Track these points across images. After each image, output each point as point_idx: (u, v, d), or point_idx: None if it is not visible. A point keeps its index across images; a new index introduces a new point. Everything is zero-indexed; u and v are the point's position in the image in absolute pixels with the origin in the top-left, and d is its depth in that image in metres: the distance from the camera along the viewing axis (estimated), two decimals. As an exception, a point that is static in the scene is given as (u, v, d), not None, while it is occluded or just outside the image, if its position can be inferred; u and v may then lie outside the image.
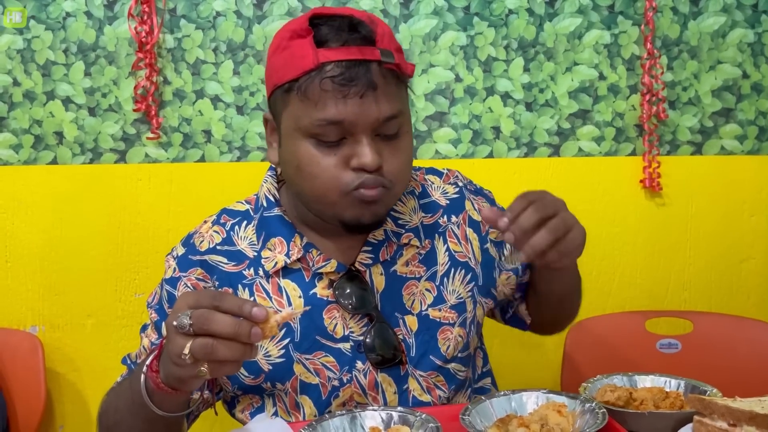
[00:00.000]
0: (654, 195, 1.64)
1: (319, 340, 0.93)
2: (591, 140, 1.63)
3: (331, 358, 0.93)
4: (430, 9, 1.58)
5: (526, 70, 1.61)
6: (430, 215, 1.00)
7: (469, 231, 1.01)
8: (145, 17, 1.53)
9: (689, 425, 0.78)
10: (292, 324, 0.93)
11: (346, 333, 0.93)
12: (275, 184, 0.99)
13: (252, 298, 0.94)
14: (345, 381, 0.93)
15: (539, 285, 1.02)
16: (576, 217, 0.87)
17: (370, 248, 0.95)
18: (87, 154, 1.57)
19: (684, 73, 1.63)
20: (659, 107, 1.61)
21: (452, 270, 0.99)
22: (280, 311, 0.78)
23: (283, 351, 0.94)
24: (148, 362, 0.78)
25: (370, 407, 0.89)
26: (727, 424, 0.72)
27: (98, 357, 1.59)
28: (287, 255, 0.93)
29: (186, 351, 0.69)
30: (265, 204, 0.97)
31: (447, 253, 0.99)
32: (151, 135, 1.56)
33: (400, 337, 0.95)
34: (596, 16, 1.61)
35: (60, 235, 1.57)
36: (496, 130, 1.62)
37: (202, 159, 1.59)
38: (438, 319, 0.97)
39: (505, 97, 1.61)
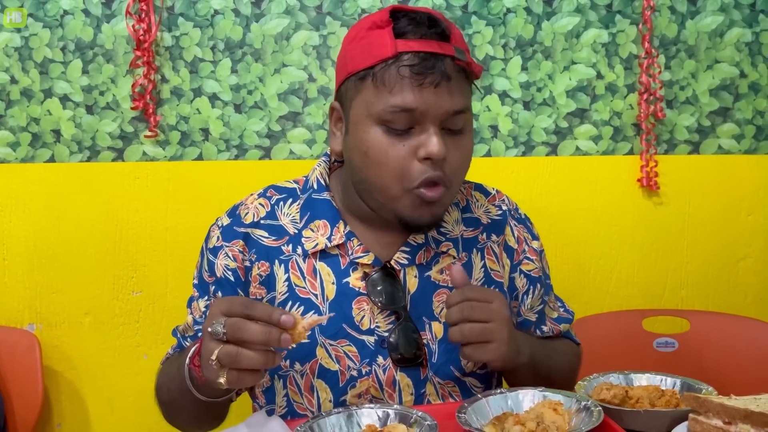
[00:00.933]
0: (651, 194, 1.64)
1: (345, 329, 0.95)
2: (589, 139, 1.63)
3: (354, 349, 0.94)
4: (427, 7, 1.58)
5: (523, 68, 1.61)
6: (471, 229, 1.01)
7: (504, 255, 1.03)
8: (143, 15, 1.53)
9: (684, 423, 0.78)
10: (321, 309, 0.95)
11: (372, 326, 0.94)
12: (327, 171, 1.01)
13: (286, 276, 0.96)
14: (364, 373, 0.94)
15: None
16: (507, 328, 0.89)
17: (408, 249, 0.96)
18: (84, 152, 1.57)
19: (681, 73, 1.63)
20: (657, 106, 1.61)
21: (486, 286, 1.00)
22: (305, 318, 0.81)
23: (309, 332, 0.95)
24: (190, 355, 0.83)
25: (367, 405, 0.89)
26: (722, 422, 0.72)
27: (96, 355, 1.59)
28: (329, 238, 0.95)
29: (213, 357, 0.74)
30: (315, 186, 0.99)
31: (483, 269, 1.00)
32: (148, 133, 1.56)
33: (424, 341, 0.96)
34: (594, 15, 1.62)
35: (57, 233, 1.57)
36: (494, 128, 1.62)
37: (200, 157, 1.59)
38: None
39: (503, 95, 1.61)
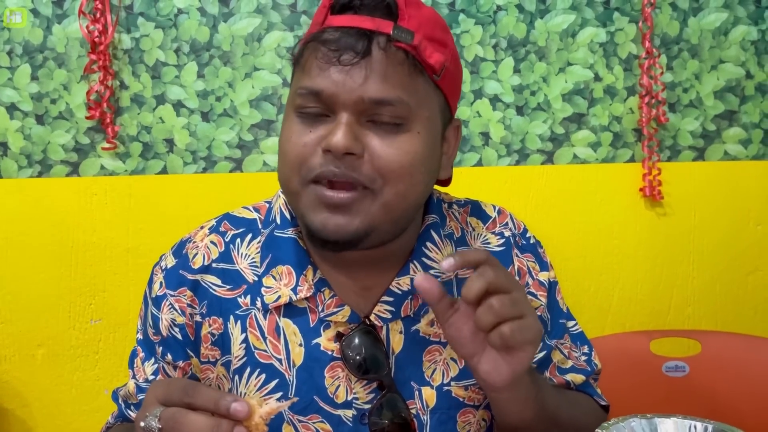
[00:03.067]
0: (655, 204, 1.53)
1: (316, 402, 0.78)
2: (587, 146, 1.52)
3: (328, 426, 0.78)
4: None
5: (516, 71, 1.50)
6: (467, 269, 0.79)
7: None
8: (98, 15, 1.39)
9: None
10: (287, 377, 0.78)
11: (349, 398, 0.78)
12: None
13: (243, 335, 0.79)
14: None
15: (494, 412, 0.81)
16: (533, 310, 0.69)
17: (391, 299, 0.79)
18: (35, 166, 1.43)
19: (685, 74, 1.53)
20: (659, 110, 1.50)
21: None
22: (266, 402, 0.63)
23: (298, 399, 0.79)
24: None
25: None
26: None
27: (50, 391, 1.45)
28: (294, 290, 0.78)
29: None
30: (278, 220, 0.81)
31: None
32: (106, 145, 1.43)
33: (413, 412, 0.79)
34: (591, 13, 1.50)
35: (5, 256, 1.43)
36: (485, 136, 1.50)
37: (164, 171, 1.46)
38: (461, 399, 0.81)
39: (495, 100, 1.50)
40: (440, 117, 0.76)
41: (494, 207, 0.89)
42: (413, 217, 0.79)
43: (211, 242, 0.82)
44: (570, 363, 0.88)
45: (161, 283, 0.82)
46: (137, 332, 0.85)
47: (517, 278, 0.85)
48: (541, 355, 0.85)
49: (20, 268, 1.43)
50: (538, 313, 0.85)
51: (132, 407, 0.84)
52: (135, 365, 0.84)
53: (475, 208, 0.88)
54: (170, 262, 0.83)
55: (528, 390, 0.72)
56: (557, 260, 1.48)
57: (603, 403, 0.91)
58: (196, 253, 0.82)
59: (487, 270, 0.65)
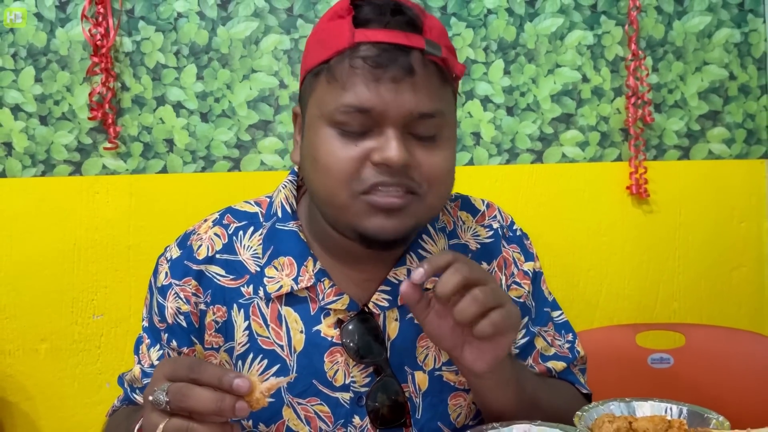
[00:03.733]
0: (641, 202, 1.57)
1: (315, 385, 0.82)
2: (575, 145, 1.56)
3: (326, 408, 0.82)
4: (405, 9, 1.51)
5: (506, 72, 1.54)
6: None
7: (502, 279, 0.89)
8: (100, 19, 1.43)
9: (697, 461, 0.71)
10: (287, 362, 0.82)
11: (347, 381, 0.81)
12: (294, 193, 0.87)
13: (247, 323, 0.82)
14: None
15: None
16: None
17: (389, 288, 0.82)
18: (39, 166, 1.47)
19: (670, 75, 1.57)
20: (645, 110, 1.55)
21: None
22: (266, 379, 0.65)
23: (297, 375, 0.82)
24: (138, 427, 0.69)
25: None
26: (742, 463, 0.64)
27: (53, 384, 1.48)
28: (295, 280, 0.81)
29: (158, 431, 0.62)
30: (279, 214, 0.85)
31: None
32: (108, 145, 1.46)
33: (407, 394, 0.83)
34: (578, 16, 1.55)
35: (10, 254, 1.46)
36: (476, 135, 1.54)
37: (164, 170, 1.49)
38: (452, 383, 0.85)
39: (485, 101, 1.54)
40: (456, 119, 0.81)
41: (483, 201, 0.92)
42: None
43: (215, 234, 0.85)
44: (553, 351, 0.91)
45: (166, 273, 0.85)
46: (143, 320, 0.88)
47: (503, 267, 0.89)
48: (524, 341, 0.88)
49: (24, 264, 1.46)
50: (522, 301, 0.89)
51: (137, 391, 0.87)
52: (140, 351, 0.87)
53: (465, 203, 0.92)
54: (175, 253, 0.86)
55: (509, 373, 0.77)
56: (547, 257, 1.53)
57: (585, 391, 0.93)
58: (201, 245, 0.85)
59: (460, 266, 0.69)
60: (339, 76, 0.72)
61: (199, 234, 0.86)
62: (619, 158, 1.57)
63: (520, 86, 1.54)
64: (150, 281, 0.88)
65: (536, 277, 0.91)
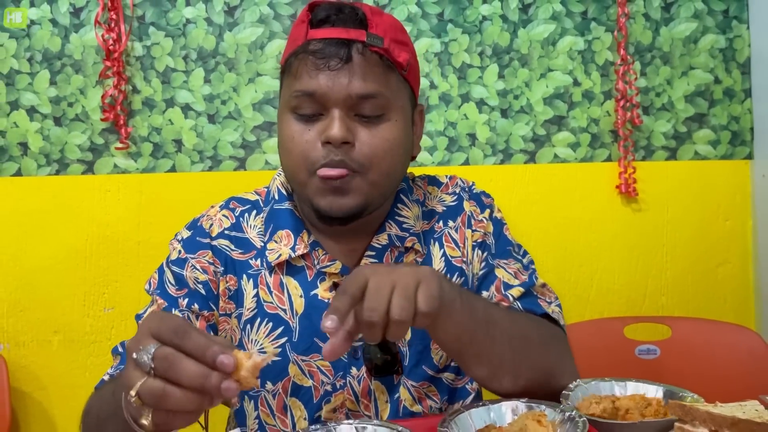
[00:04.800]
0: (630, 200, 1.64)
1: (316, 343, 0.91)
2: (566, 146, 1.63)
3: (327, 363, 0.91)
4: (403, 16, 1.57)
5: (500, 76, 1.60)
6: (426, 222, 0.98)
7: (468, 232, 0.98)
8: (113, 24, 1.50)
9: (671, 432, 0.77)
10: (291, 324, 0.91)
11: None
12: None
13: (255, 291, 0.92)
14: (338, 387, 0.92)
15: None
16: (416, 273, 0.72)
17: (373, 253, 0.93)
18: (53, 165, 1.53)
19: (657, 79, 1.64)
20: (633, 113, 1.61)
21: (447, 276, 0.95)
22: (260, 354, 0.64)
23: (279, 350, 0.92)
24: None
25: (346, 421, 0.86)
26: (708, 431, 0.70)
27: (66, 375, 1.54)
28: (293, 249, 0.92)
29: (133, 392, 0.59)
30: (276, 197, 0.96)
31: (443, 258, 0.96)
32: (119, 145, 1.52)
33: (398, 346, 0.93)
34: (570, 23, 1.62)
35: (25, 249, 1.52)
36: (472, 137, 1.61)
37: (173, 169, 1.55)
38: None
39: (480, 103, 1.60)
40: (409, 104, 0.91)
41: (446, 176, 1.04)
42: (396, 189, 0.94)
43: (223, 215, 0.97)
44: (517, 282, 0.94)
45: (180, 251, 0.95)
46: (152, 298, 0.94)
47: (466, 221, 0.97)
48: (482, 272, 0.96)
49: (38, 259, 1.52)
50: (481, 240, 0.96)
51: None
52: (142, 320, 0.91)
53: (432, 179, 1.04)
54: (186, 234, 0.97)
55: (448, 305, 0.75)
56: (539, 253, 1.59)
57: (560, 324, 0.94)
58: (212, 224, 0.96)
59: (336, 298, 0.68)
60: (294, 69, 0.86)
61: (208, 216, 0.97)
62: (608, 159, 1.63)
63: (514, 89, 1.61)
64: (161, 265, 0.96)
65: (496, 223, 0.99)
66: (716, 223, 1.66)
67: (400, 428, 0.81)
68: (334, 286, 0.91)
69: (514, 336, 0.83)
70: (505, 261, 0.97)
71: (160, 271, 0.95)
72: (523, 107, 1.61)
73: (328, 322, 0.66)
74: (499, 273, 0.95)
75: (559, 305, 0.96)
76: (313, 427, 0.83)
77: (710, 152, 1.65)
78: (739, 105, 1.65)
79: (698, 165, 1.64)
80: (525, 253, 1.00)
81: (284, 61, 0.89)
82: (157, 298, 0.93)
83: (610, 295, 1.65)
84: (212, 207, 0.99)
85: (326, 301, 0.91)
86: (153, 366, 0.59)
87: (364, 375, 0.92)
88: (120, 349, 0.93)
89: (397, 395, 0.93)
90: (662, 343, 1.47)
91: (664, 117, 1.64)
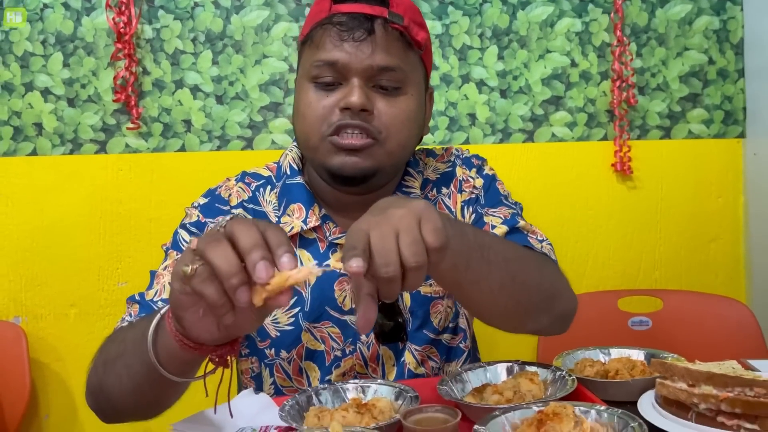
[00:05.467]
0: (625, 178, 1.68)
1: (327, 311, 0.96)
2: (564, 126, 1.67)
3: (337, 329, 0.96)
4: (405, -2, 1.61)
5: (500, 57, 1.64)
6: (422, 191, 1.02)
7: (458, 196, 1.02)
8: (123, 8, 1.54)
9: (651, 390, 0.83)
10: (303, 294, 0.96)
11: (354, 306, 0.92)
12: (299, 154, 1.02)
13: None
14: (348, 352, 0.96)
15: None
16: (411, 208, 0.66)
17: None
18: (67, 144, 1.57)
19: (653, 60, 1.67)
20: (629, 93, 1.65)
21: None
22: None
23: (292, 319, 0.96)
24: (162, 312, 0.70)
25: (352, 381, 0.92)
26: (686, 385, 0.76)
27: (82, 346, 1.60)
28: (304, 221, 0.95)
29: (188, 268, 0.60)
30: (288, 172, 0.99)
31: None
32: (131, 125, 1.57)
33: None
34: (567, 5, 1.65)
35: (41, 225, 1.57)
36: (472, 117, 1.65)
37: (183, 149, 1.60)
38: (429, 294, 0.99)
39: (480, 84, 1.64)
40: (423, 83, 0.96)
41: (442, 147, 1.08)
42: (405, 163, 0.98)
43: (240, 188, 1.01)
44: (503, 223, 0.95)
45: (198, 215, 0.98)
46: (167, 254, 0.95)
47: (458, 185, 1.01)
48: (472, 218, 0.99)
49: (55, 236, 1.58)
50: (468, 198, 1.00)
51: (162, 301, 0.91)
52: (158, 273, 0.94)
53: (429, 151, 1.08)
54: (203, 201, 1.00)
55: (451, 234, 0.70)
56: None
57: (551, 258, 0.94)
58: (231, 194, 1.00)
59: (348, 251, 0.63)
60: (316, 39, 0.89)
61: (226, 186, 1.01)
62: (605, 138, 1.67)
63: (513, 70, 1.65)
64: (174, 232, 0.98)
65: (486, 179, 1.03)
66: (709, 200, 1.70)
67: (402, 387, 0.87)
68: None
69: (509, 259, 0.79)
70: (495, 210, 0.99)
71: (175, 233, 0.98)
72: (522, 88, 1.65)
73: (354, 262, 0.60)
74: (488, 219, 0.97)
75: (550, 244, 0.96)
76: (321, 385, 0.90)
77: (704, 131, 1.70)
78: (732, 85, 1.69)
79: (692, 144, 1.69)
80: (518, 204, 1.02)
81: (306, 33, 0.92)
82: (173, 252, 0.95)
83: (606, 270, 1.70)
84: (228, 179, 1.03)
85: (338, 270, 0.93)
86: (194, 249, 0.60)
87: (373, 341, 0.97)
88: (137, 297, 0.93)
89: (402, 359, 0.98)
90: (654, 315, 1.52)
91: (659, 97, 1.68)
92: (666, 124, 1.69)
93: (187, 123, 1.59)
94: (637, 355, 0.97)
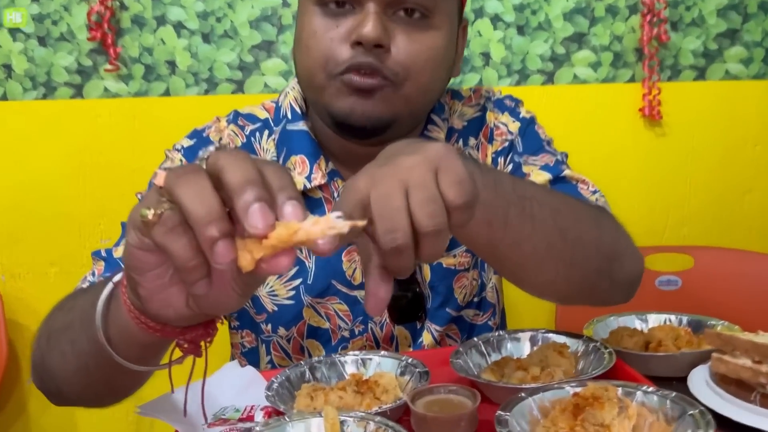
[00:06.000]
0: (653, 124, 1.54)
1: (334, 285, 0.82)
2: (587, 66, 1.52)
3: (345, 307, 0.83)
4: None
5: (517, -11, 1.49)
6: (447, 142, 0.87)
7: (489, 147, 0.87)
8: (96, -67, 1.38)
9: (704, 365, 0.70)
10: (306, 264, 0.82)
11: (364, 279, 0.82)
12: (303, 94, 0.85)
13: None
14: (357, 333, 0.84)
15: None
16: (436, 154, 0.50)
17: None
18: (39, 88, 1.44)
19: (687, -9, 1.51)
20: (660, 29, 1.49)
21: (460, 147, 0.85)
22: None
23: (293, 293, 0.83)
24: (115, 280, 0.54)
25: (351, 353, 0.80)
26: (751, 361, 0.64)
27: (64, 307, 1.50)
28: (308, 178, 0.80)
29: (148, 211, 0.43)
30: (289, 115, 0.83)
31: None
32: (109, 67, 1.43)
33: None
34: (594, -72, 1.48)
35: (17, 179, 1.45)
36: (486, 56, 1.50)
37: (167, 93, 1.46)
38: (452, 267, 0.85)
39: (495, 19, 1.49)
40: (457, 14, 0.78)
41: (470, 88, 0.91)
42: (429, 111, 0.81)
43: (233, 132, 0.85)
44: (546, 172, 0.83)
45: (181, 160, 0.83)
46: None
47: (488, 134, 0.87)
48: (509, 168, 0.85)
49: (29, 188, 1.45)
50: (500, 148, 0.85)
51: None
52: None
53: (455, 93, 0.90)
54: (187, 143, 0.85)
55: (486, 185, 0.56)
56: (556, 180, 1.50)
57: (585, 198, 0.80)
58: (222, 137, 0.84)
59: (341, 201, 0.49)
60: None
61: (217, 128, 0.85)
62: (632, 79, 1.53)
63: (531, 4, 1.49)
64: (150, 181, 0.84)
65: (523, 122, 0.87)
66: (744, 148, 1.57)
67: (409, 360, 0.75)
68: None
69: (558, 212, 0.63)
70: (535, 157, 0.84)
71: (151, 181, 0.83)
72: (541, 23, 1.50)
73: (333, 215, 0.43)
74: (527, 170, 0.82)
75: (603, 196, 0.82)
76: (317, 359, 0.78)
77: (742, 71, 1.55)
78: (776, 20, 1.53)
79: (728, 85, 1.54)
80: (562, 152, 0.88)
81: None
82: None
83: (630, 226, 1.55)
84: (218, 119, 0.87)
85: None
86: (160, 186, 0.43)
87: (387, 320, 0.84)
88: (103, 253, 0.78)
89: (420, 340, 0.86)
90: (684, 273, 1.40)
91: (693, 33, 1.52)
92: (700, 63, 1.53)
93: (171, 64, 1.45)
94: (678, 321, 0.85)
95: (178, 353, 0.54)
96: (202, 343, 0.53)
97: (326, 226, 0.41)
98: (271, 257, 0.42)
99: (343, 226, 0.42)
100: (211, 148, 0.50)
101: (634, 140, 1.55)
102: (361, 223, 0.45)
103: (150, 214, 0.43)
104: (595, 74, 1.53)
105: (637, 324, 0.87)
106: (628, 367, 0.72)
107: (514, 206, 0.58)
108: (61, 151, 1.45)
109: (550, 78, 1.52)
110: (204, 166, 0.43)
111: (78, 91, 1.45)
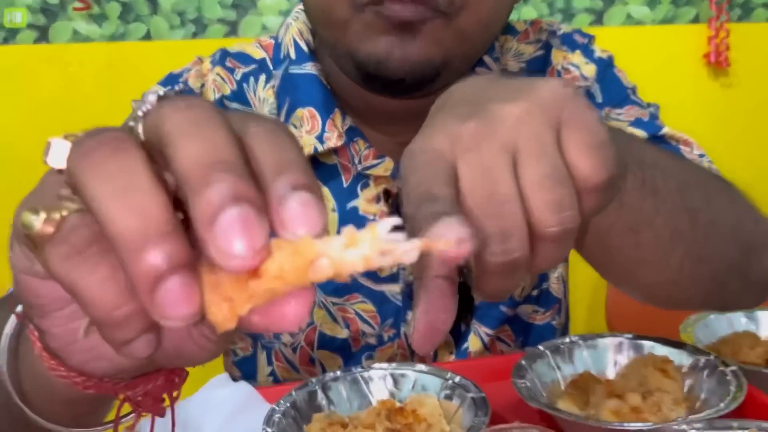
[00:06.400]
0: (720, 72, 1.47)
1: (355, 279, 0.68)
2: (642, 4, 1.45)
3: (371, 306, 0.69)
4: None
5: None
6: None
7: None
8: None
9: None
10: None
11: (395, 270, 0.68)
12: (309, 29, 0.69)
13: None
14: (386, 339, 0.70)
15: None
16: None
17: None
18: (-1, 32, 1.32)
19: None
20: (732, -42, 1.35)
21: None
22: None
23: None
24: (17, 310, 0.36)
25: (378, 366, 0.62)
26: None
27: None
28: (320, 138, 0.64)
29: (35, 217, 0.25)
30: (292, 55, 0.67)
31: None
32: (78, 5, 1.32)
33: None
34: None
35: (-27, 137, 1.33)
36: (524, -9, 1.38)
37: (147, 36, 1.36)
38: None
39: (536, -53, 1.36)
40: None
41: (526, 21, 0.75)
42: (486, 49, 0.64)
43: (219, 76, 0.68)
44: (640, 129, 0.71)
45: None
46: None
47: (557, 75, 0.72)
48: None
49: (-8, 149, 1.34)
50: (583, 87, 0.71)
51: None
52: None
53: (507, 27, 0.74)
54: (162, 91, 0.65)
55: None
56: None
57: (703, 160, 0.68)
58: (203, 84, 0.67)
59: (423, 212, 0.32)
60: None
61: (198, 71, 0.68)
62: (695, 20, 1.45)
63: (579, -72, 1.34)
64: None
65: (599, 63, 0.73)
66: (826, 101, 1.45)
67: (458, 380, 0.57)
68: (385, 196, 0.65)
69: (685, 183, 0.47)
70: (620, 110, 0.70)
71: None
72: (590, -48, 1.35)
73: (456, 232, 0.26)
74: (613, 125, 0.66)
75: (711, 162, 0.67)
76: (332, 374, 0.60)
77: (826, 9, 1.39)
78: None
79: (809, 26, 1.42)
80: (639, 100, 0.73)
81: None
82: None
83: (688, 191, 1.42)
84: (200, 60, 0.71)
85: (370, 217, 0.66)
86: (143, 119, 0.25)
87: None
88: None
89: (465, 345, 0.71)
90: None
91: (770, -37, 1.37)
92: (778, 0, 1.40)
93: (153, 3, 1.35)
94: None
95: (126, 409, 0.35)
96: (165, 398, 0.34)
97: (374, 251, 0.22)
98: (268, 305, 0.23)
99: (410, 250, 0.22)
100: (158, 91, 0.29)
101: (696, 91, 1.48)
102: (449, 243, 0.25)
103: (39, 221, 0.24)
104: (652, 14, 1.44)
105: (744, 323, 0.69)
106: (762, 394, 0.54)
107: (632, 176, 0.41)
108: (26, 105, 1.35)
109: (599, 18, 1.42)
110: (140, 131, 0.26)
111: (43, 35, 1.33)
